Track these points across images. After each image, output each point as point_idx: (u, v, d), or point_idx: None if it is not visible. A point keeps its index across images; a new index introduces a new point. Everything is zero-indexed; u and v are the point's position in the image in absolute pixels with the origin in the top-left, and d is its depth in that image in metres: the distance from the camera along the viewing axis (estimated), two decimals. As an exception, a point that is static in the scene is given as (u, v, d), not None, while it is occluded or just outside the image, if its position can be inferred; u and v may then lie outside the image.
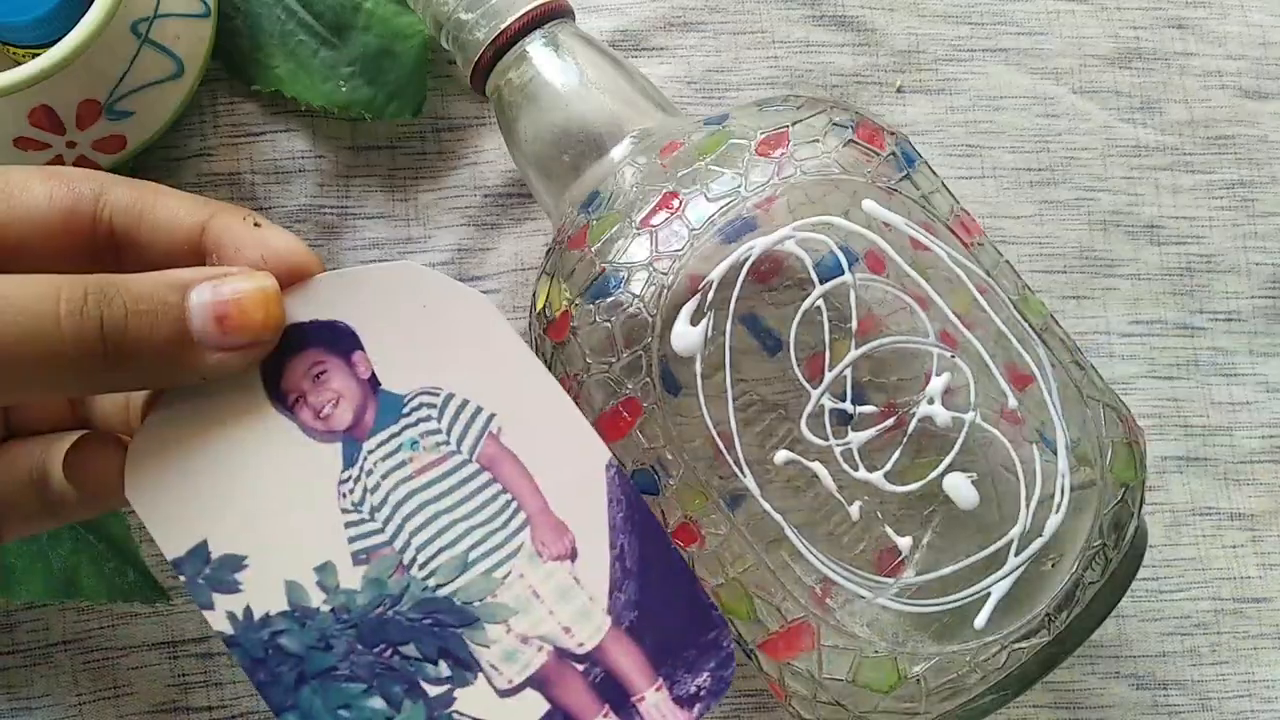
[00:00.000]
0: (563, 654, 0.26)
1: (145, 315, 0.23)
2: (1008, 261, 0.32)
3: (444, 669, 0.25)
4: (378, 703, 0.25)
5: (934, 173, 0.32)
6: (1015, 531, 0.30)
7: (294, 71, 0.39)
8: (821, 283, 0.30)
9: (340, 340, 0.26)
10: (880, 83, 0.43)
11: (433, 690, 0.25)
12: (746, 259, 0.30)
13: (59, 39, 0.32)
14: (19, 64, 0.32)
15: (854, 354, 0.30)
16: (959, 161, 0.43)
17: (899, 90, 0.43)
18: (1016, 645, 0.30)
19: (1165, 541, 0.42)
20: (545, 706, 0.26)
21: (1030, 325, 0.31)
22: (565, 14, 0.34)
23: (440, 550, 0.26)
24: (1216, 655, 0.41)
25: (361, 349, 0.26)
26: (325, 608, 0.25)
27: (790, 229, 0.30)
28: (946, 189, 0.32)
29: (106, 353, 0.23)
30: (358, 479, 0.26)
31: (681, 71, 0.42)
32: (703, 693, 0.26)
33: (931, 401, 0.30)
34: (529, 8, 0.33)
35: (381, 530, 0.26)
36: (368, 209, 0.41)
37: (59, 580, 0.36)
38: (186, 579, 0.25)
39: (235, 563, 0.25)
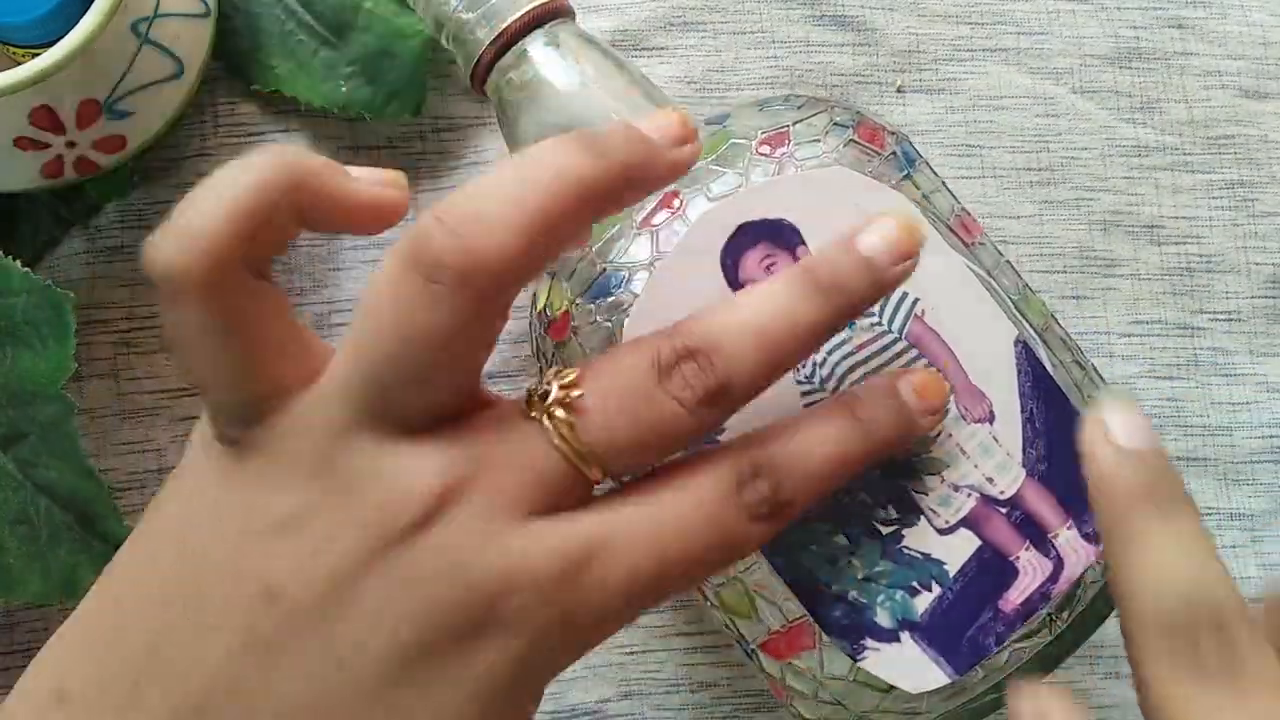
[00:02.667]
0: (988, 500, 0.30)
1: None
2: (1008, 261, 0.32)
3: (892, 512, 0.30)
4: (840, 540, 0.29)
5: (934, 173, 0.32)
6: (1017, 530, 0.31)
7: (294, 71, 0.39)
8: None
9: (786, 236, 0.29)
10: (880, 83, 0.43)
11: (884, 530, 0.30)
12: (747, 258, 0.30)
13: (59, 39, 0.32)
14: (19, 64, 0.32)
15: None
16: (959, 161, 0.43)
17: (899, 90, 0.43)
18: (1017, 645, 0.30)
19: (1165, 541, 0.42)
20: (977, 542, 0.30)
21: (1031, 325, 0.31)
22: (566, 13, 0.34)
23: None
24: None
25: (804, 243, 0.30)
26: None
27: (791, 228, 0.30)
28: (947, 189, 0.32)
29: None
30: None
31: (681, 71, 0.42)
32: None
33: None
34: (530, 7, 0.33)
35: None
36: (368, 209, 0.41)
37: (58, 580, 0.35)
38: None
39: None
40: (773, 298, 0.25)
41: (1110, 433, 0.25)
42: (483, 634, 0.23)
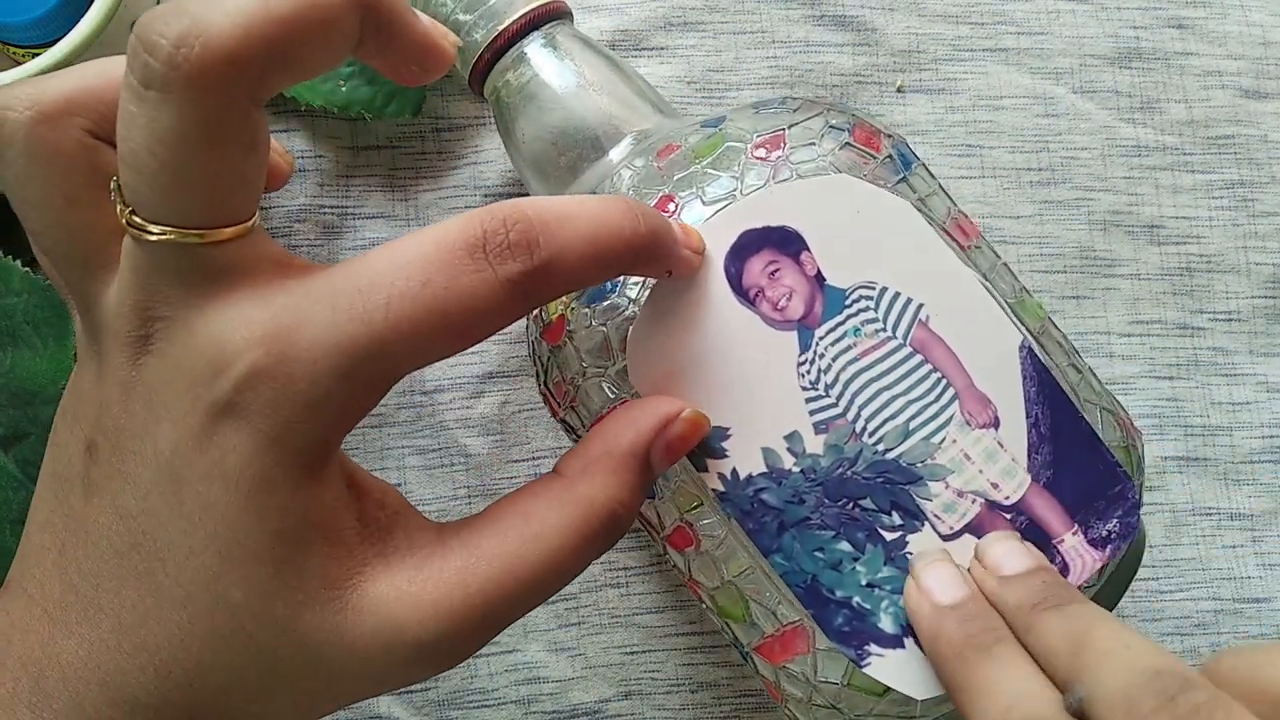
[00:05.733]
0: (993, 505, 0.30)
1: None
2: (1005, 264, 0.32)
3: (896, 518, 0.30)
4: (845, 546, 0.29)
5: (931, 175, 0.32)
6: (1013, 533, 0.31)
7: (294, 72, 0.39)
8: (819, 285, 0.30)
9: (789, 242, 0.29)
10: (880, 83, 0.43)
11: (889, 536, 0.30)
12: (744, 261, 0.30)
13: (59, 39, 0.32)
14: (19, 64, 0.32)
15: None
16: (959, 161, 0.43)
17: (899, 90, 0.43)
18: (1013, 648, 0.30)
19: (1165, 542, 0.42)
20: None
21: (1027, 328, 0.31)
22: (564, 15, 0.34)
23: (885, 421, 0.30)
24: (1216, 655, 0.41)
25: (807, 249, 0.30)
26: (796, 469, 0.29)
27: (787, 231, 0.30)
28: (944, 191, 0.32)
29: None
30: (812, 361, 0.30)
31: (681, 71, 0.42)
32: (1112, 535, 0.31)
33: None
34: (527, 9, 0.33)
35: (836, 404, 0.30)
36: (367, 209, 0.41)
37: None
38: None
39: (721, 433, 0.29)
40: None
41: (927, 591, 0.28)
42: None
